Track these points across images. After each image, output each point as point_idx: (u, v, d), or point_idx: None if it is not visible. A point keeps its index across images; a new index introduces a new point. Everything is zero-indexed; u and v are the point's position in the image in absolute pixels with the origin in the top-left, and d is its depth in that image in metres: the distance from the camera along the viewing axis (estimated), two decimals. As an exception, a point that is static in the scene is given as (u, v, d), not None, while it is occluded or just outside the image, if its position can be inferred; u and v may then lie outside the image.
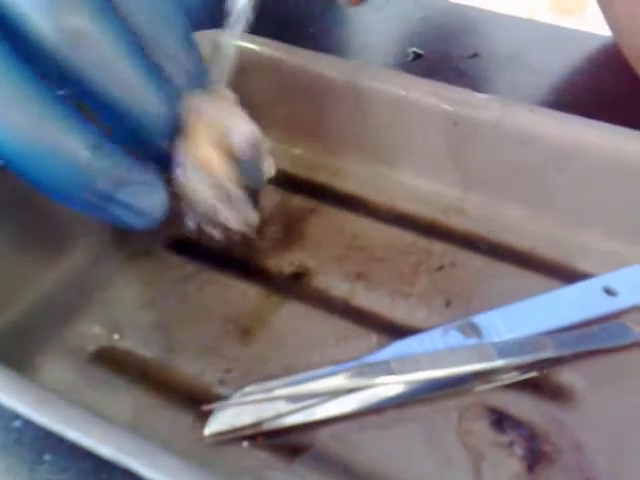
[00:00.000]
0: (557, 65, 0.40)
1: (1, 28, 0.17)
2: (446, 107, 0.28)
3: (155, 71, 0.19)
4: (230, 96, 0.22)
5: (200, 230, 0.23)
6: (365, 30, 0.43)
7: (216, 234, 0.23)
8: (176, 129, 0.20)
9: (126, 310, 0.25)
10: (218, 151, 0.21)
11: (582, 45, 0.41)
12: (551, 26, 0.43)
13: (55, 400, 0.17)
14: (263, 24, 0.25)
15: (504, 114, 0.27)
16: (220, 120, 0.21)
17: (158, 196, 0.20)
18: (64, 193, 0.18)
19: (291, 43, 0.30)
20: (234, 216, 0.22)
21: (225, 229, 0.23)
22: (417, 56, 0.40)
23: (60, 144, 0.17)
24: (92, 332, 0.24)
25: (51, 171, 0.18)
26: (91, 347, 0.23)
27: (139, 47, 0.18)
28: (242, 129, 0.21)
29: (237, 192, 0.22)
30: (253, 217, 0.23)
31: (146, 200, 0.19)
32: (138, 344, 0.24)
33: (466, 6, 0.45)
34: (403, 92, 0.28)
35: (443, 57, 0.40)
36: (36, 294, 0.25)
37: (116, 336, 0.24)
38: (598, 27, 0.42)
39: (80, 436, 0.16)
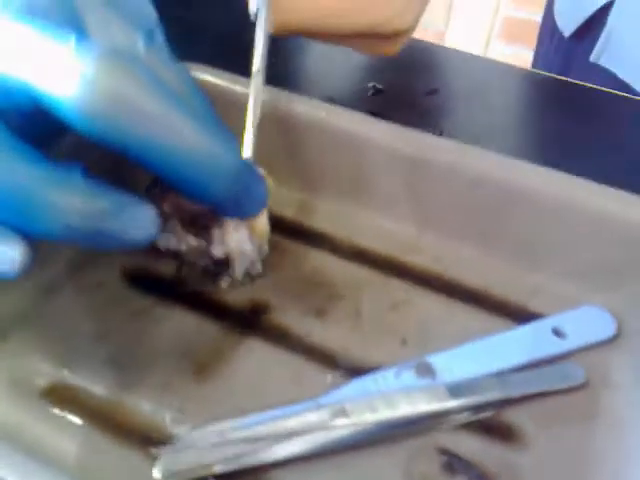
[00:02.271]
0: (511, 104, 0.41)
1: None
2: (405, 149, 0.28)
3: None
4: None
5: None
6: (325, 62, 0.43)
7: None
8: None
9: (78, 344, 0.24)
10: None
11: (535, 84, 0.43)
12: (508, 65, 0.44)
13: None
14: (220, 51, 0.25)
15: (458, 158, 0.28)
16: None
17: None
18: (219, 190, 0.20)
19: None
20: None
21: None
22: (377, 91, 0.41)
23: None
24: (42, 367, 0.23)
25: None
26: (41, 382, 0.23)
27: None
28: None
29: (266, 248, 0.26)
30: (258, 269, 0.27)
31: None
32: (89, 380, 0.23)
33: (426, 42, 0.46)
34: (366, 134, 0.29)
35: (403, 92, 0.41)
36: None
37: (66, 371, 0.23)
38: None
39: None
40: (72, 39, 0.18)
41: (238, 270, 0.26)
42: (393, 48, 0.32)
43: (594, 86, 0.41)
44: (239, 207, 0.22)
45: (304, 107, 0.29)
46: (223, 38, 0.26)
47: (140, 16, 0.20)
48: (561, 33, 0.54)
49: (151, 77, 0.18)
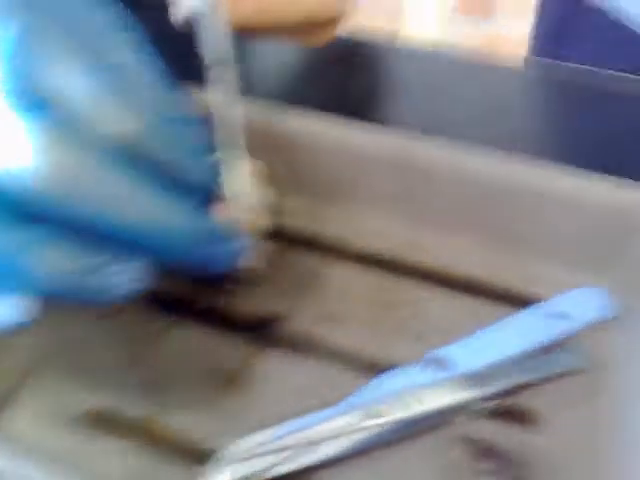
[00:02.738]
0: (476, 98, 0.42)
1: None
2: (396, 153, 0.29)
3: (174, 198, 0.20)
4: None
5: None
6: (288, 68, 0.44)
7: None
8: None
9: (108, 370, 0.25)
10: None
11: (498, 76, 0.44)
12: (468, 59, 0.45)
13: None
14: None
15: (451, 157, 0.29)
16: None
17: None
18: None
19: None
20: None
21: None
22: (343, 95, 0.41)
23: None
24: (78, 396, 0.24)
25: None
26: (79, 410, 0.24)
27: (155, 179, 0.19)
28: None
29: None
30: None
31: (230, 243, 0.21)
32: (124, 403, 0.24)
33: (379, 38, 0.46)
34: (357, 141, 0.30)
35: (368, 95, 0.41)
36: (15, 362, 0.25)
37: (101, 397, 0.24)
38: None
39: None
40: (17, 109, 0.18)
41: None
42: (326, 36, 0.33)
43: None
44: (203, 268, 0.21)
45: (293, 120, 0.30)
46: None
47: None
48: None
49: (96, 147, 0.18)
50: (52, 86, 0.18)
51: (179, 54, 0.25)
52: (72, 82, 0.18)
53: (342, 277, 0.29)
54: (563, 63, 0.43)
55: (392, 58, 0.45)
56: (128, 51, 0.20)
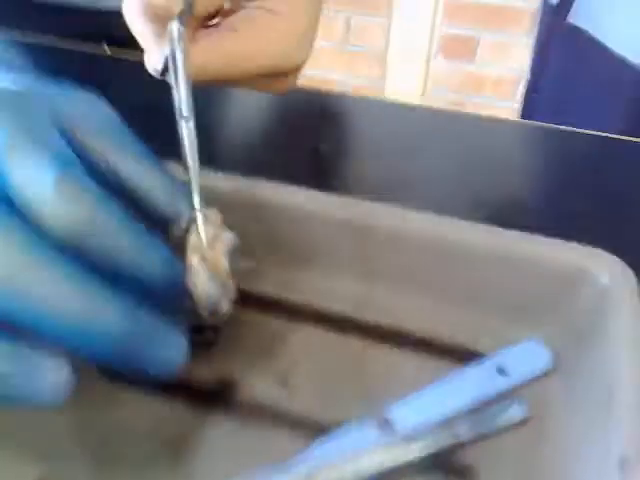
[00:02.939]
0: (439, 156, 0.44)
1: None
2: (348, 217, 0.31)
3: (151, 238, 0.22)
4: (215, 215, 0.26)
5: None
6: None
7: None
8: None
9: (53, 441, 0.26)
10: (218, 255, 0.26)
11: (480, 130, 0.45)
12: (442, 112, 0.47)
13: None
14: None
15: (399, 222, 0.30)
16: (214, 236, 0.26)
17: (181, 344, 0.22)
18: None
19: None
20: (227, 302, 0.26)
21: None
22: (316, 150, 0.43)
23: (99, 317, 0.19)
24: (25, 468, 0.25)
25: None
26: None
27: (136, 220, 0.21)
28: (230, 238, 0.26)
29: (231, 286, 0.26)
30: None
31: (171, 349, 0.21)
32: (73, 472, 0.25)
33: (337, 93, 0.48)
34: (311, 208, 0.31)
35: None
36: None
37: (49, 466, 0.25)
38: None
39: None
40: None
41: (203, 312, 0.26)
42: (287, 85, 0.35)
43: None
44: (139, 372, 0.21)
45: (257, 188, 0.32)
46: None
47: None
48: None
49: (37, 241, 0.19)
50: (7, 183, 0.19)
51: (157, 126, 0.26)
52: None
53: (293, 338, 0.30)
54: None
55: (352, 109, 0.47)
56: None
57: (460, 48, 1.68)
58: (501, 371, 0.28)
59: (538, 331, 0.29)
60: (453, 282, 0.31)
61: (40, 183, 0.19)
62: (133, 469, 0.25)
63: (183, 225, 0.25)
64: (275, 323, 0.31)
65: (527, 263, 0.29)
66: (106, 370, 0.28)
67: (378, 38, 1.71)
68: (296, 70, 0.34)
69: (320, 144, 0.43)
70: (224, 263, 0.26)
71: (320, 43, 1.59)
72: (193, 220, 0.25)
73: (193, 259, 0.24)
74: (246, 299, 0.31)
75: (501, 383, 0.27)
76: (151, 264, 0.22)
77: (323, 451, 0.25)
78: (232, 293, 0.26)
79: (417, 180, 0.41)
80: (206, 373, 0.29)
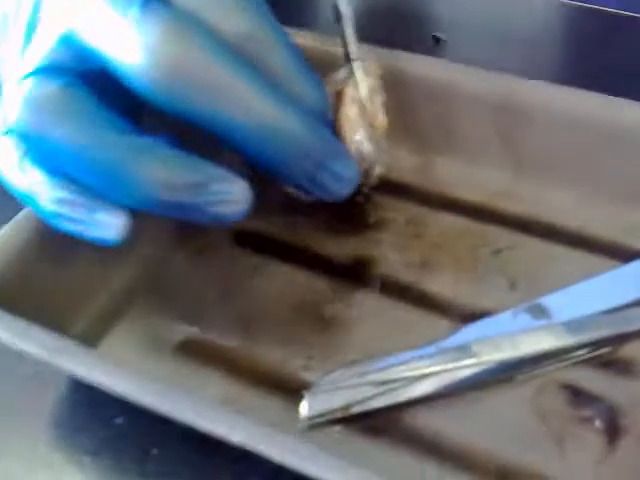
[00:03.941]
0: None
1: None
2: (494, 94, 0.29)
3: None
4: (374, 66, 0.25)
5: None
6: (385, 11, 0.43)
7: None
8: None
9: (202, 303, 0.26)
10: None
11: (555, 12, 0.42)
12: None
13: (176, 392, 0.18)
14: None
15: (550, 98, 0.28)
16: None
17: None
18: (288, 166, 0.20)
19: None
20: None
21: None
22: (437, 41, 0.40)
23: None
24: (173, 325, 0.25)
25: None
26: (175, 339, 0.24)
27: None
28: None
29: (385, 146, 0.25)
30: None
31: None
32: (219, 335, 0.24)
33: None
34: (451, 81, 0.29)
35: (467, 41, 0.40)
36: (111, 294, 0.26)
37: (197, 328, 0.25)
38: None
39: (211, 425, 0.17)
40: (136, 4, 0.18)
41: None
42: None
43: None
44: (320, 187, 0.21)
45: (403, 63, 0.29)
46: None
47: None
48: None
49: (214, 44, 0.18)
50: None
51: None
52: None
53: (438, 226, 0.28)
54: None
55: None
56: None
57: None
58: (665, 269, 0.26)
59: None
60: (607, 174, 0.28)
61: None
62: (281, 333, 0.25)
63: (340, 76, 0.23)
64: (412, 210, 0.29)
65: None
66: (248, 241, 0.27)
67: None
68: None
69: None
70: (382, 118, 0.24)
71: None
72: (350, 72, 0.23)
73: (351, 111, 0.23)
74: (382, 184, 0.30)
75: (665, 281, 0.25)
76: (309, 83, 0.21)
77: (477, 333, 0.24)
78: (385, 154, 0.25)
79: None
80: (346, 252, 0.27)
